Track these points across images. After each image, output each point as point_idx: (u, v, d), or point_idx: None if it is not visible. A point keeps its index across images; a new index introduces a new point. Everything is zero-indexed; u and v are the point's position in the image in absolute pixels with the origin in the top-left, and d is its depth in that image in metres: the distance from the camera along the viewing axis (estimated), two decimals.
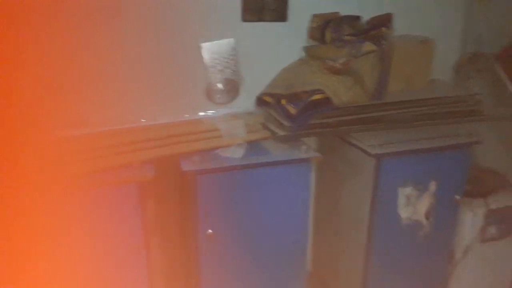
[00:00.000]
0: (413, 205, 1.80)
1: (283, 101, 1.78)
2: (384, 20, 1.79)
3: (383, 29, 1.74)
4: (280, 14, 1.90)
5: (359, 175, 1.81)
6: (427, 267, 1.96)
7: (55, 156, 1.46)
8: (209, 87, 1.90)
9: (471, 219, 1.95)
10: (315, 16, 1.91)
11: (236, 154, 1.66)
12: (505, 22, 2.04)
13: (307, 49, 1.91)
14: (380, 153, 1.67)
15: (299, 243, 1.79)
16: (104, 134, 1.66)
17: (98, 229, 1.51)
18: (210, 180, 1.57)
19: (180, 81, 1.86)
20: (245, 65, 1.91)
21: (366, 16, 1.89)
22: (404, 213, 1.80)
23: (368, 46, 1.70)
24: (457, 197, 1.85)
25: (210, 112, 1.90)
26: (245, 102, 1.95)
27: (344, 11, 1.92)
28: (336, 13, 1.92)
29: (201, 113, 1.89)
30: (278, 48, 1.94)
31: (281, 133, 1.74)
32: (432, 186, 1.80)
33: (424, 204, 1.82)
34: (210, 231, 1.61)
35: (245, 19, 1.86)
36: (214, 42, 1.85)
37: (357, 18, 1.89)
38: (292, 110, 1.72)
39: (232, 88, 1.93)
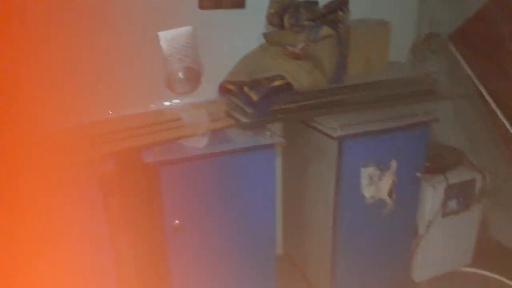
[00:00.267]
0: (376, 185, 1.85)
1: (246, 88, 1.78)
2: (341, 4, 1.82)
3: (340, 13, 1.76)
4: (237, 1, 1.89)
5: (323, 158, 1.84)
6: (393, 243, 2.03)
7: (15, 152, 1.42)
8: (169, 77, 1.87)
9: (432, 195, 2.02)
10: (272, 2, 1.91)
11: (199, 143, 1.65)
12: (458, 3, 2.11)
13: (266, 36, 1.91)
14: (342, 135, 1.71)
15: (267, 229, 1.80)
16: (63, 130, 1.62)
17: (63, 226, 1.48)
18: (174, 171, 1.56)
19: (140, 72, 1.82)
20: (205, 54, 1.89)
21: (323, 1, 1.90)
22: (368, 192, 1.85)
23: (325, 30, 1.71)
24: (418, 174, 1.92)
25: (172, 103, 1.88)
26: (208, 90, 1.93)
27: None
28: None
29: (163, 104, 1.87)
30: (237, 35, 1.93)
31: (244, 120, 1.74)
32: (393, 165, 1.85)
33: (386, 182, 1.87)
34: (177, 222, 1.60)
35: (202, 6, 1.84)
36: (172, 30, 1.81)
37: (315, 3, 1.90)
38: (254, 96, 1.73)
39: (193, 77, 1.90)
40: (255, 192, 1.74)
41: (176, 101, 1.87)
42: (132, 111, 1.79)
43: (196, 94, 1.93)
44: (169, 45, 1.83)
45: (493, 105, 1.90)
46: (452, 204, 2.09)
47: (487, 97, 1.91)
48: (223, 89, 1.92)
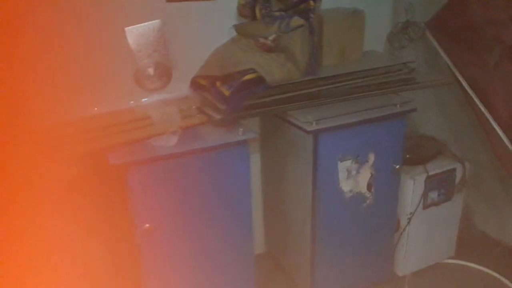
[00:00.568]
0: (354, 178, 1.81)
1: (218, 83, 1.72)
2: None
3: (311, 2, 1.70)
4: None
5: (299, 153, 1.79)
6: (374, 237, 1.99)
7: None
8: (139, 73, 1.80)
9: (412, 187, 1.99)
10: None
11: (169, 142, 1.59)
12: None
13: (237, 28, 1.84)
14: (317, 129, 1.65)
15: (244, 227, 1.76)
16: (28, 131, 1.55)
17: (32, 229, 1.43)
18: (142, 172, 1.50)
19: (108, 69, 1.76)
20: (175, 48, 1.83)
21: None
22: (346, 186, 1.81)
23: (296, 20, 1.66)
24: (396, 166, 1.87)
25: (142, 100, 1.82)
26: (180, 86, 1.87)
27: None
28: None
29: (133, 102, 1.80)
30: (208, 28, 1.86)
31: (217, 116, 1.68)
32: (371, 157, 1.81)
33: (364, 176, 1.83)
34: (147, 225, 1.54)
35: None
36: (139, 25, 1.74)
37: None
38: (226, 92, 1.67)
39: (164, 72, 1.84)
40: (230, 190, 1.69)
41: (144, 99, 1.80)
42: (105, 110, 1.73)
43: (168, 90, 1.86)
44: (136, 40, 1.77)
45: (470, 92, 1.86)
46: (433, 195, 2.05)
47: (465, 84, 1.88)
48: (195, 85, 1.86)
